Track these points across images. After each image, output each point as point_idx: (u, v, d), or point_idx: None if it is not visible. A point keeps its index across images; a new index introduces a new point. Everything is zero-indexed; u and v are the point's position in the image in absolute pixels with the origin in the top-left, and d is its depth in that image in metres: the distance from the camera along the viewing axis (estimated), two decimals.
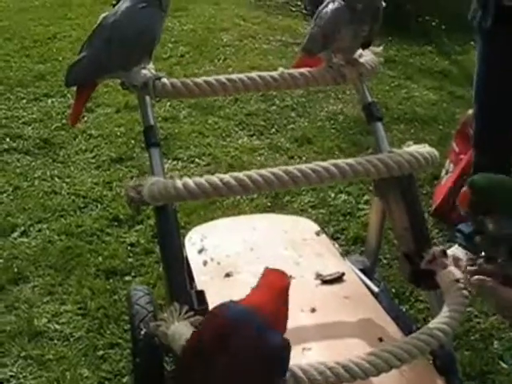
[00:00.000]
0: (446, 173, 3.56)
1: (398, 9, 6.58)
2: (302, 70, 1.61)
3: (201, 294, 1.42)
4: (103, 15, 1.55)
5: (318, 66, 1.66)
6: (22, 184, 3.58)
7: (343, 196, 3.48)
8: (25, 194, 3.49)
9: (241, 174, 1.35)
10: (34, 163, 3.80)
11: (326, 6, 1.60)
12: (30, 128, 4.22)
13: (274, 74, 1.57)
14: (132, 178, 3.61)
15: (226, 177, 1.35)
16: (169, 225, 1.43)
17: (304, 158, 3.82)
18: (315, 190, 3.50)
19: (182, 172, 3.63)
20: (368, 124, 1.79)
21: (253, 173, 1.35)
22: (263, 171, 1.36)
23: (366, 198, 3.47)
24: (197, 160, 3.77)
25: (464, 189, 1.36)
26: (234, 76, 1.54)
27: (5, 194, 3.49)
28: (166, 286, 1.50)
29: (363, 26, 1.57)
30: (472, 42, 6.51)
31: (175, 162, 3.74)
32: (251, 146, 3.95)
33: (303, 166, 1.37)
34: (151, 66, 1.62)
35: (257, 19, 6.64)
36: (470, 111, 3.61)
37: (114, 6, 1.85)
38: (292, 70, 1.60)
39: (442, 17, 6.84)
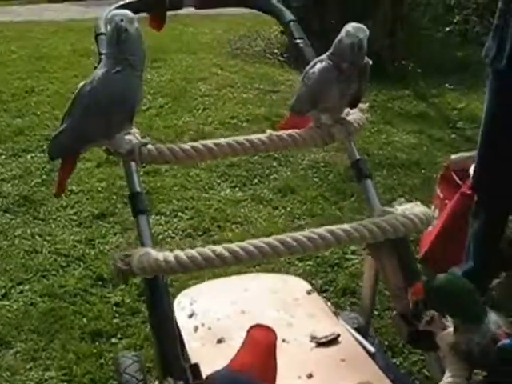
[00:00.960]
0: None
1: (374, 54, 6.68)
2: (291, 131, 1.58)
3: (195, 368, 1.36)
4: (81, 84, 1.53)
5: (306, 126, 1.64)
6: (2, 243, 3.51)
7: None
8: (5, 253, 3.42)
9: (234, 245, 1.31)
10: (13, 221, 3.74)
11: (314, 65, 1.59)
12: (9, 185, 4.16)
13: (262, 136, 1.54)
14: (115, 234, 3.57)
15: (219, 248, 1.31)
16: (160, 297, 1.38)
17: (288, 209, 3.80)
18: None
19: (166, 227, 3.59)
20: (357, 181, 1.76)
21: (246, 244, 1.32)
22: (257, 241, 1.32)
23: (352, 247, 3.43)
24: (180, 214, 3.73)
25: (418, 284, 1.40)
26: (221, 140, 1.51)
27: None
28: (157, 358, 1.45)
29: (351, 85, 1.56)
30: (447, 85, 6.63)
31: (158, 217, 3.69)
32: (234, 197, 3.92)
33: (298, 235, 1.34)
34: (135, 130, 1.59)
35: (234, 68, 6.69)
36: (453, 156, 3.63)
37: (95, 69, 1.83)
38: (280, 132, 1.57)
39: (416, 60, 6.95)
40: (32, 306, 3.00)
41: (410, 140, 5.02)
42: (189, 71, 6.41)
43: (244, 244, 1.32)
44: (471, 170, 3.25)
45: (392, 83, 6.26)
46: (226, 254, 1.28)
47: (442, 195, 3.52)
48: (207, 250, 1.31)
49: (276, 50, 7.31)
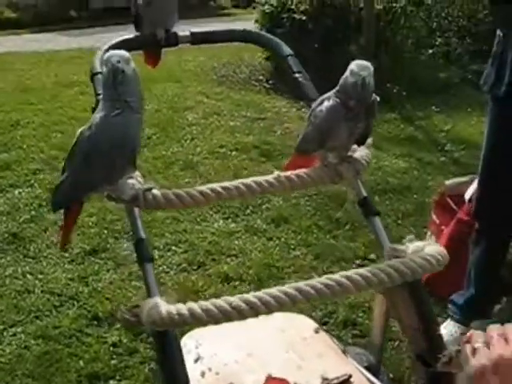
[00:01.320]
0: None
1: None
2: (298, 171, 1.55)
3: None
4: (80, 130, 1.48)
5: (313, 166, 1.61)
6: None
7: None
8: None
9: (250, 296, 1.26)
10: (3, 260, 3.65)
11: (321, 103, 1.56)
12: None
13: (270, 178, 1.50)
14: (108, 270, 3.50)
15: (235, 300, 1.26)
16: (172, 350, 1.33)
17: (283, 239, 3.76)
18: (298, 272, 3.43)
19: (160, 261, 3.52)
20: (365, 219, 1.73)
21: (263, 294, 1.27)
22: (274, 290, 1.27)
23: None
24: (173, 248, 3.67)
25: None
26: (228, 184, 1.47)
27: None
28: None
29: (359, 123, 1.53)
30: (433, 107, 6.66)
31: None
32: (228, 229, 3.88)
33: (315, 282, 1.29)
34: (137, 173, 1.55)
35: (220, 95, 6.68)
36: (447, 182, 3.62)
37: (93, 110, 1.79)
38: (288, 173, 1.54)
39: (401, 83, 6.99)
40: (26, 349, 2.91)
41: (400, 164, 5.02)
42: (175, 100, 6.39)
43: (260, 294, 1.27)
44: (467, 195, 3.24)
45: (378, 107, 6.26)
46: (243, 305, 1.23)
47: (437, 221, 3.50)
48: (223, 302, 1.26)
49: (261, 77, 7.32)
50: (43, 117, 6.23)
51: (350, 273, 1.32)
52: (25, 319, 3.13)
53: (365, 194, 1.70)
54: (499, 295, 3.03)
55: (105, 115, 1.44)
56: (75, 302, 3.24)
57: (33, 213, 4.17)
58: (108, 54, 1.47)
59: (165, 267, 3.49)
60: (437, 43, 8.41)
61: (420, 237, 3.72)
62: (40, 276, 3.48)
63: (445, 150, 5.47)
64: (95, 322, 3.07)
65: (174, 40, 2.00)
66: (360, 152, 1.63)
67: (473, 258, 2.89)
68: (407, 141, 5.62)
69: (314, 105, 1.61)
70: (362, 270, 1.33)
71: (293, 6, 7.21)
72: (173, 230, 3.85)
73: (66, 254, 3.68)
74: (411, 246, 1.54)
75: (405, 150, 5.34)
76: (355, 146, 1.63)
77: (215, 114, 6.03)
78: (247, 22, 11.03)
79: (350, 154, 1.61)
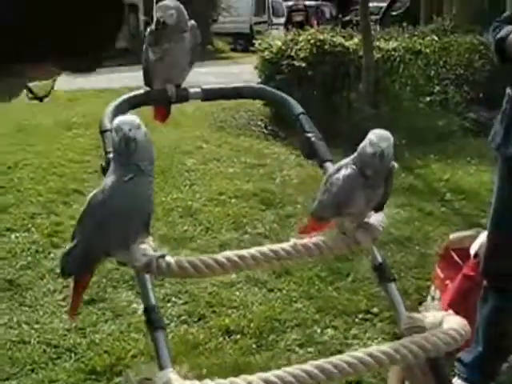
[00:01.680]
0: (433, 299, 3.47)
1: (357, 126, 6.74)
2: (315, 239, 1.51)
3: None
4: (91, 195, 1.43)
5: (329, 232, 1.57)
6: None
7: (330, 331, 3.34)
8: None
9: (271, 375, 1.21)
10: None
11: (338, 171, 1.52)
12: None
13: (286, 246, 1.47)
14: (106, 321, 3.43)
15: (255, 379, 1.21)
16: None
17: (284, 291, 3.70)
18: (300, 326, 3.36)
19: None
20: (380, 285, 1.69)
21: (283, 372, 1.21)
22: (294, 369, 1.22)
23: (353, 331, 3.33)
24: (173, 299, 3.61)
25: None
26: (244, 252, 1.43)
27: None
28: None
29: (377, 191, 1.50)
30: (432, 155, 6.67)
31: None
32: (228, 280, 3.81)
33: (337, 360, 1.24)
34: (150, 238, 1.51)
35: (219, 141, 6.68)
36: (452, 235, 3.58)
37: (102, 169, 1.75)
38: (305, 241, 1.50)
39: (400, 132, 6.99)
40: None
41: (401, 214, 4.98)
42: (174, 145, 6.37)
43: (281, 373, 1.22)
44: (472, 250, 3.20)
45: None
46: (274, 380, 1.18)
47: (442, 275, 3.45)
48: (240, 380, 1.21)
49: (260, 122, 7.34)
50: (41, 159, 6.20)
51: (373, 350, 1.27)
52: (20, 372, 3.04)
53: (380, 259, 1.66)
54: (507, 353, 2.98)
55: (117, 179, 1.40)
56: (72, 355, 3.16)
57: (29, 259, 4.11)
58: (118, 122, 1.43)
59: (164, 318, 3.39)
60: (435, 91, 8.47)
61: (423, 290, 3.69)
62: (36, 326, 3.40)
63: (445, 199, 5.45)
64: (93, 376, 2.98)
65: (184, 96, 1.98)
66: (376, 217, 1.59)
67: (481, 316, 2.84)
68: (407, 190, 5.60)
69: (330, 171, 1.58)
70: (384, 348, 1.28)
71: (293, 53, 7.27)
72: (173, 281, 3.78)
73: (63, 303, 3.61)
74: (429, 316, 1.49)
75: (405, 199, 5.31)
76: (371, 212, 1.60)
77: (214, 159, 6.02)
78: (244, 66, 11.15)
79: (366, 219, 1.57)
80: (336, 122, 6.94)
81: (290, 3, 15.86)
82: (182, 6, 1.87)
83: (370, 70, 7.00)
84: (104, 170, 1.71)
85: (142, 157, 1.42)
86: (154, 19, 1.87)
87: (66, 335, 3.30)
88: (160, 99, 1.98)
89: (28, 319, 3.46)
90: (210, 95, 2.02)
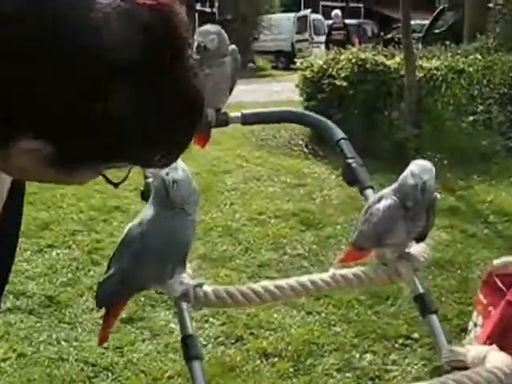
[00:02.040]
0: (475, 325, 3.39)
1: (399, 146, 6.68)
2: (355, 269, 1.48)
3: None
4: (129, 226, 1.40)
5: (370, 262, 1.55)
6: (27, 350, 3.36)
7: (369, 356, 3.29)
8: (29, 361, 3.27)
9: None
10: (38, 324, 3.61)
11: (378, 201, 1.50)
12: (34, 283, 4.05)
13: (326, 276, 1.44)
14: (144, 341, 3.43)
15: None
16: None
17: (323, 314, 3.66)
18: (338, 350, 3.32)
19: (197, 333, 3.44)
20: (421, 316, 1.65)
21: None
22: None
23: (393, 357, 3.28)
24: (211, 320, 3.59)
25: None
26: (282, 282, 1.41)
27: (8, 362, 3.26)
28: None
29: (418, 222, 1.47)
30: (475, 176, 6.56)
31: None
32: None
33: None
34: (188, 266, 1.49)
35: (259, 159, 6.69)
36: (495, 261, 3.50)
37: (142, 195, 1.75)
38: (344, 271, 1.47)
39: (442, 151, 6.92)
40: None
41: (443, 236, 4.90)
42: (214, 164, 6.40)
43: None
44: None
45: None
46: None
47: (485, 301, 3.36)
48: None
49: (300, 141, 7.34)
50: None
51: None
52: None
53: (421, 290, 1.62)
54: None
55: (157, 215, 1.36)
56: (109, 374, 3.17)
57: (70, 275, 4.15)
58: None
59: (202, 340, 3.40)
60: (478, 110, 8.35)
61: (465, 316, 3.61)
62: (75, 343, 3.42)
63: (488, 221, 5.35)
64: None
65: (224, 121, 1.98)
66: (417, 247, 1.56)
67: None
68: (449, 212, 5.50)
69: (370, 201, 1.56)
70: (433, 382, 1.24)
71: (334, 72, 7.25)
72: None
73: (101, 321, 3.62)
74: (471, 350, 1.44)
75: (447, 221, 5.22)
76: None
77: (254, 178, 6.02)
78: (285, 84, 11.18)
79: (407, 249, 1.54)
80: (377, 141, 6.90)
81: (331, 22, 15.96)
82: (223, 30, 1.87)
83: (412, 90, 6.93)
84: (143, 195, 1.71)
85: (182, 197, 1.38)
86: (195, 44, 1.87)
87: (103, 354, 3.31)
88: (200, 124, 1.97)
89: (67, 337, 3.48)
90: (249, 119, 2.01)
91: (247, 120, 2.01)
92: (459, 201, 5.89)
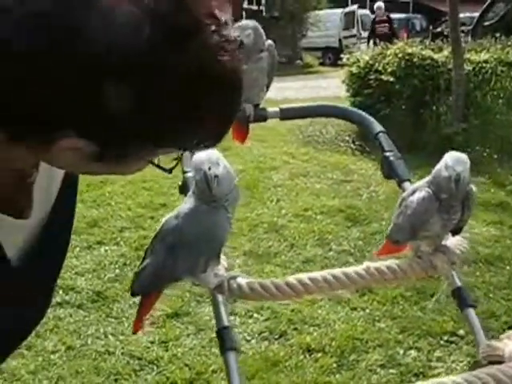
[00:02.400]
0: None
1: (447, 140, 6.58)
2: (389, 262, 1.47)
3: None
4: (165, 218, 1.41)
5: (406, 255, 1.54)
6: (75, 343, 3.44)
7: (413, 352, 3.26)
8: (78, 354, 3.35)
9: None
10: (87, 318, 3.69)
11: (413, 193, 1.49)
12: (83, 279, 4.14)
13: (360, 269, 1.43)
14: (188, 335, 3.47)
15: None
16: None
17: (367, 310, 3.65)
18: (382, 346, 3.30)
19: (241, 328, 3.47)
20: (459, 309, 1.63)
21: None
22: None
23: (437, 353, 3.24)
24: (255, 315, 3.61)
25: None
26: (316, 275, 1.41)
27: (57, 355, 3.35)
28: None
29: (453, 215, 1.45)
30: None
31: (232, 318, 3.58)
32: (311, 297, 3.79)
33: None
34: (223, 258, 1.50)
35: (306, 156, 6.67)
36: None
37: (180, 188, 1.77)
38: (378, 264, 1.46)
39: (491, 146, 6.79)
40: None
41: (491, 232, 4.82)
42: (260, 160, 6.41)
43: None
44: None
45: None
46: None
47: None
48: None
49: (347, 137, 7.29)
50: None
51: (446, 380, 1.22)
52: (104, 382, 3.13)
53: (459, 283, 1.60)
54: None
55: (196, 209, 1.37)
56: (155, 367, 3.22)
57: (117, 271, 4.22)
58: (196, 160, 1.40)
59: (246, 335, 3.43)
60: None
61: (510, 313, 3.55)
62: (121, 337, 3.48)
63: None
64: None
65: (263, 116, 1.99)
66: (454, 240, 1.54)
67: None
68: (498, 207, 5.41)
69: (405, 193, 1.54)
70: (456, 378, 1.23)
71: (380, 68, 7.19)
72: None
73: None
74: (510, 345, 1.42)
75: (496, 216, 5.14)
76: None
77: (301, 175, 6.01)
78: (332, 80, 11.13)
79: (444, 242, 1.53)
80: (425, 136, 6.81)
81: (373, 15, 15.67)
82: (259, 26, 1.88)
83: (460, 83, 6.82)
84: (181, 189, 1.73)
85: (222, 192, 1.39)
86: None
87: (149, 348, 3.36)
88: (238, 119, 1.99)
89: (114, 331, 3.55)
90: (287, 114, 2.02)
91: (285, 115, 2.02)
92: (509, 196, 5.78)
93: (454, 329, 3.45)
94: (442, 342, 3.33)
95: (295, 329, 3.49)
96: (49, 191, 1.11)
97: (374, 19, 15.02)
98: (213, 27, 0.80)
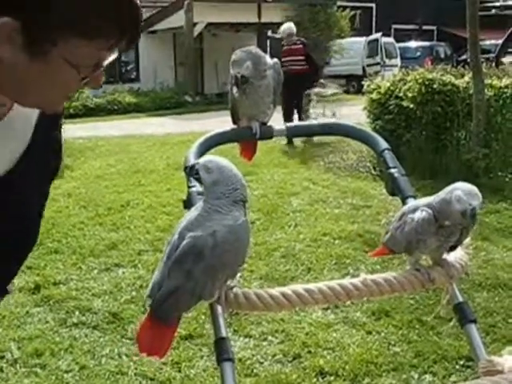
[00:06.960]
0: None
1: (468, 166, 6.55)
2: (386, 275, 1.47)
3: None
4: (197, 237, 1.33)
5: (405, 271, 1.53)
6: (89, 363, 3.45)
7: (428, 377, 3.21)
8: (91, 374, 3.35)
9: None
10: (102, 339, 3.70)
11: (414, 211, 1.48)
12: (99, 300, 4.16)
13: (356, 281, 1.43)
14: (202, 357, 3.46)
15: None
16: None
17: (383, 334, 3.61)
18: (397, 370, 3.26)
19: (254, 351, 3.45)
20: (460, 326, 1.61)
21: None
22: None
23: (453, 378, 3.19)
24: (270, 338, 3.59)
25: None
26: (312, 286, 1.41)
27: (70, 374, 3.35)
28: None
29: (451, 238, 1.44)
30: None
31: (247, 340, 3.57)
32: (326, 320, 3.76)
33: None
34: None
35: (326, 182, 6.67)
36: None
37: (184, 204, 1.79)
38: (375, 276, 1.46)
39: None
40: None
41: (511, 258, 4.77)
42: (281, 186, 6.43)
43: None
44: None
45: (487, 196, 6.04)
46: None
47: None
48: None
49: (368, 164, 7.28)
50: (152, 198, 6.44)
51: None
52: None
53: (460, 298, 1.59)
54: None
55: (233, 222, 1.34)
56: None
57: (133, 293, 4.24)
58: (203, 164, 1.41)
59: (259, 357, 3.41)
60: None
61: None
62: (135, 358, 3.48)
63: None
64: None
65: (269, 133, 2.00)
66: (455, 254, 1.53)
67: None
68: None
69: (406, 207, 1.54)
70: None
71: (401, 94, 7.19)
72: (270, 319, 3.77)
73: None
74: (510, 361, 1.41)
75: None
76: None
77: (321, 200, 6.01)
78: (354, 108, 11.12)
79: (444, 256, 1.52)
80: (446, 161, 6.78)
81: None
82: (254, 49, 1.89)
83: (481, 108, 6.80)
84: (185, 204, 1.75)
85: (244, 195, 1.39)
86: (232, 75, 1.89)
87: (161, 369, 3.36)
88: (244, 136, 2.00)
89: (128, 351, 3.55)
90: (293, 132, 2.03)
91: (291, 132, 2.03)
92: None
93: (470, 353, 3.39)
94: (457, 367, 3.28)
95: (309, 352, 3.46)
96: (29, 121, 1.21)
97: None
98: None
